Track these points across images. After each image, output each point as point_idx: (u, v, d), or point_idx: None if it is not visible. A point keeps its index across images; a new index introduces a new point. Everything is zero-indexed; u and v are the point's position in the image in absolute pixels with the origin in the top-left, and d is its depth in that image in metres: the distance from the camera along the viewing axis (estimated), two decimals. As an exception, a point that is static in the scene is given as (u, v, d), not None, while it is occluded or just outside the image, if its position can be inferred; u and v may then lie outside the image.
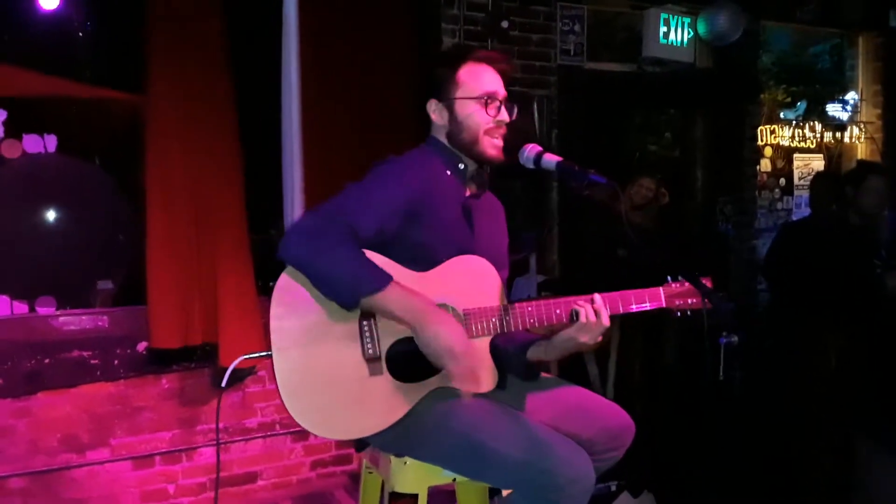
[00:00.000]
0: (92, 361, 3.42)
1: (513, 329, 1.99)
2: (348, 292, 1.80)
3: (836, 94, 5.98)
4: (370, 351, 1.88)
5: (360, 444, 2.07)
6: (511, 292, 2.16)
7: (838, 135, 5.91)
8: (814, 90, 5.96)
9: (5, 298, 3.68)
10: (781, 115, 5.81)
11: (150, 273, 3.41)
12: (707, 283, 2.07)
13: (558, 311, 1.98)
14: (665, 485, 3.46)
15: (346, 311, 1.84)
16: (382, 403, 1.89)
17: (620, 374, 4.25)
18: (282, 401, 1.83)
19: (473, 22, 4.26)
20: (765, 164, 5.66)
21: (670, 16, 4.87)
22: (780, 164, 5.74)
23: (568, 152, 2.10)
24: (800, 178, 5.79)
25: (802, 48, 6.01)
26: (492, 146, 2.06)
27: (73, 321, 3.62)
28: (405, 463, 1.99)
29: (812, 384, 3.70)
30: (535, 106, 4.39)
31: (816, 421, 3.67)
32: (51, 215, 3.70)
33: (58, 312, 3.67)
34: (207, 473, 3.59)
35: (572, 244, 4.60)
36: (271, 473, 3.77)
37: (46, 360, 3.36)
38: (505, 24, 4.28)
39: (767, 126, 5.63)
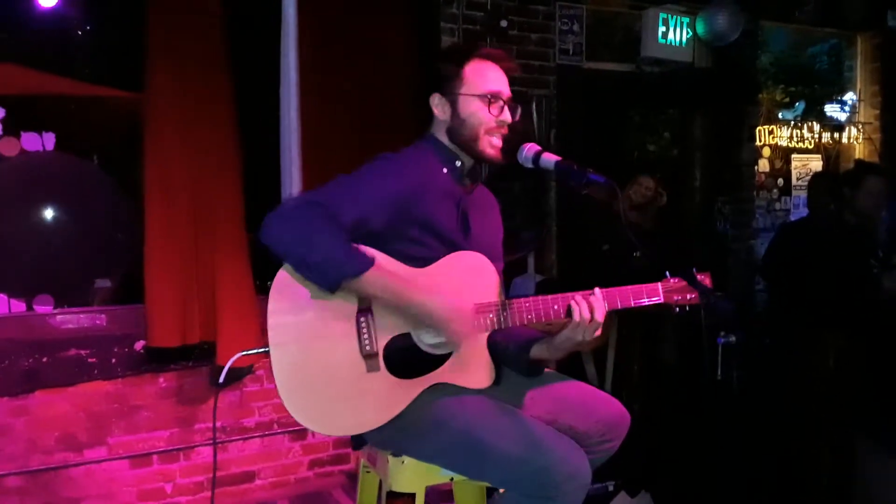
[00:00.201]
0: (90, 360, 3.42)
1: (510, 325, 1.99)
2: (332, 274, 1.81)
3: (835, 95, 6.00)
4: (367, 347, 1.89)
5: (358, 443, 2.07)
6: (509, 292, 2.16)
7: (836, 135, 5.92)
8: (812, 90, 5.97)
9: (3, 297, 3.67)
10: (780, 116, 5.82)
11: (148, 271, 3.41)
12: (706, 278, 2.08)
13: (556, 307, 1.98)
14: (662, 485, 3.47)
15: (331, 294, 1.84)
16: (380, 399, 1.90)
17: (618, 373, 4.25)
18: (280, 397, 1.83)
19: (472, 21, 4.25)
20: (763, 165, 5.67)
21: (669, 16, 4.88)
22: (778, 164, 5.75)
23: (566, 152, 2.11)
24: (798, 179, 5.80)
25: (801, 48, 6.02)
26: (490, 146, 2.06)
27: (71, 319, 3.61)
28: (402, 462, 1.99)
29: (810, 384, 3.71)
30: (534, 105, 4.39)
31: (815, 421, 3.67)
32: (49, 213, 3.70)
33: (55, 311, 3.67)
34: (205, 472, 3.59)
35: (571, 244, 4.60)
36: (269, 473, 3.77)
37: (44, 359, 3.36)
38: (504, 23, 4.29)
39: (766, 126, 5.64)
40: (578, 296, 1.96)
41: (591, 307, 1.93)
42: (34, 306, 3.70)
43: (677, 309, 2.06)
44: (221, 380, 2.49)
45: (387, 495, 2.03)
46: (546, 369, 2.21)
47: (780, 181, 5.78)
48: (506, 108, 2.06)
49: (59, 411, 3.34)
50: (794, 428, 3.74)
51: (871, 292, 3.72)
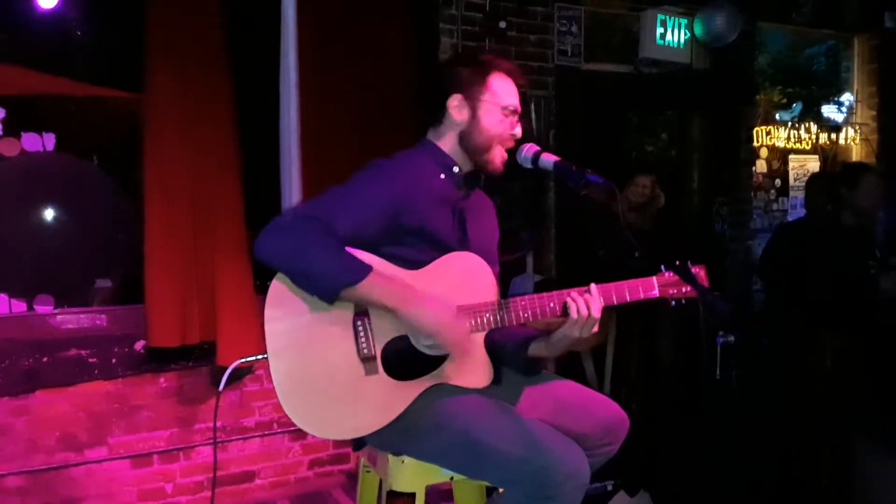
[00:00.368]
0: (90, 360, 3.43)
1: (507, 324, 2.00)
2: (328, 285, 1.82)
3: (832, 96, 6.01)
4: (365, 350, 1.90)
5: (358, 443, 2.08)
6: (507, 292, 2.17)
7: (834, 136, 5.94)
8: (809, 91, 5.99)
9: (3, 297, 3.67)
10: (777, 117, 5.84)
11: (148, 272, 3.42)
12: (700, 271, 2.09)
13: (552, 305, 1.99)
14: (661, 484, 3.47)
15: (329, 304, 1.85)
16: (378, 402, 1.90)
17: (617, 373, 4.26)
18: (279, 401, 1.84)
19: (471, 22, 4.26)
20: (760, 165, 5.68)
21: (667, 17, 4.89)
22: (775, 165, 5.77)
23: (565, 153, 2.12)
24: (795, 180, 5.82)
25: (798, 50, 6.04)
26: (500, 155, 2.09)
27: (72, 319, 3.62)
28: (403, 462, 2.00)
29: (808, 384, 3.71)
30: (533, 106, 4.40)
31: (814, 421, 3.68)
32: (49, 213, 3.70)
33: (56, 311, 3.67)
34: (205, 472, 3.59)
35: (569, 244, 4.61)
36: (269, 472, 3.78)
37: (44, 359, 3.36)
38: (502, 24, 4.29)
39: (763, 127, 5.66)
40: (574, 292, 1.98)
41: (587, 303, 1.95)
42: (34, 306, 3.70)
43: (673, 303, 2.07)
44: (221, 387, 2.50)
45: (387, 495, 2.04)
46: (546, 370, 2.22)
47: (778, 182, 5.79)
48: (518, 123, 2.11)
49: (60, 411, 3.34)
50: (792, 428, 3.75)
51: (868, 292, 3.73)
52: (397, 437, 1.96)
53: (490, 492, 2.33)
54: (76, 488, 3.37)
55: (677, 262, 2.05)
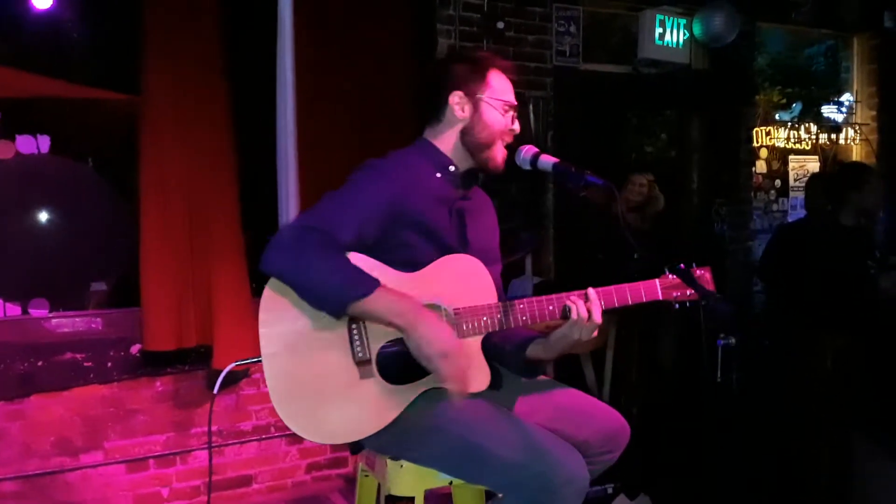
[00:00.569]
0: (85, 364, 3.41)
1: (505, 327, 1.98)
2: (336, 301, 1.80)
3: (832, 96, 6.01)
4: (360, 354, 1.88)
5: (356, 447, 2.06)
6: (506, 294, 2.15)
7: (833, 136, 5.93)
8: (809, 92, 5.99)
9: (-2, 300, 3.66)
10: (777, 117, 5.84)
11: (143, 275, 3.40)
12: (705, 272, 2.08)
13: (551, 308, 1.97)
14: (662, 487, 3.46)
15: (337, 319, 1.84)
16: (374, 406, 1.88)
17: (617, 375, 4.25)
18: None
19: (469, 23, 4.25)
20: (760, 166, 5.67)
21: (666, 17, 4.88)
22: (775, 165, 5.76)
23: (563, 154, 2.11)
24: (795, 180, 5.81)
25: (797, 50, 6.04)
26: (501, 150, 2.09)
27: (67, 323, 3.60)
28: (401, 466, 1.98)
29: (808, 385, 3.70)
30: (531, 107, 4.39)
31: (814, 422, 3.67)
32: (44, 217, 3.69)
33: (51, 314, 3.65)
34: (202, 477, 3.57)
35: (568, 246, 4.59)
36: (266, 477, 3.76)
37: (39, 363, 3.34)
38: (500, 24, 4.28)
39: (763, 128, 5.66)
40: (574, 295, 1.96)
41: (587, 306, 1.93)
42: (29, 310, 3.68)
43: (676, 305, 2.06)
44: (216, 391, 2.48)
45: (385, 499, 2.02)
46: (546, 376, 2.20)
47: (778, 182, 5.79)
48: (515, 119, 2.11)
49: (55, 415, 3.32)
50: (792, 429, 3.74)
51: (868, 293, 3.72)
52: (395, 440, 1.94)
53: (489, 496, 2.31)
54: (72, 493, 3.35)
55: (681, 266, 2.04)
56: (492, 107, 2.06)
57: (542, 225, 4.46)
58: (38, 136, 3.75)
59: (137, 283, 3.41)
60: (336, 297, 1.80)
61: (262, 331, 1.85)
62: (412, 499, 1.99)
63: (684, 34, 4.95)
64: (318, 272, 1.80)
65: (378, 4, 3.93)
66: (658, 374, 4.62)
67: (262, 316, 1.86)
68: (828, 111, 5.96)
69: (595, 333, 1.96)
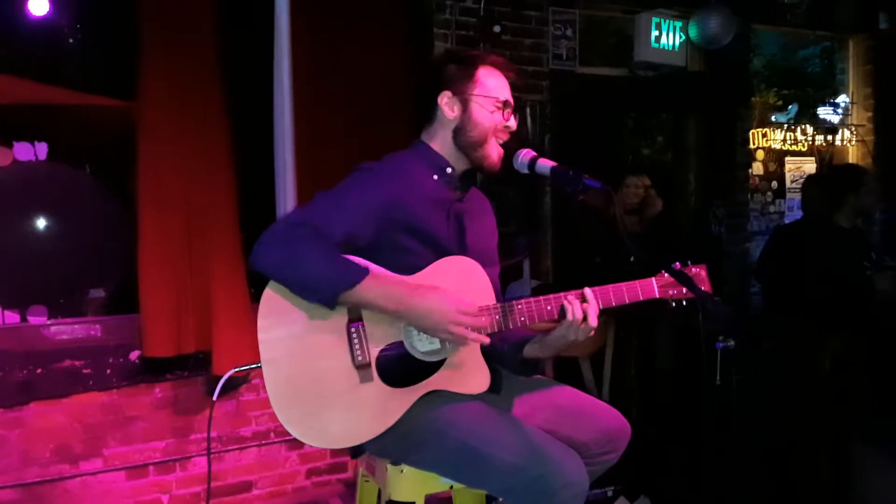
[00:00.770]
0: (84, 371, 3.40)
1: (504, 328, 1.98)
2: (327, 290, 1.80)
3: (827, 98, 6.02)
4: (359, 357, 1.88)
5: (356, 451, 2.06)
6: (504, 297, 2.15)
7: (830, 138, 5.94)
8: (805, 93, 6.00)
9: (-4, 308, 3.66)
10: (773, 119, 5.84)
11: (142, 281, 3.40)
12: (701, 271, 2.08)
13: (549, 308, 1.97)
14: (661, 489, 3.46)
15: (330, 310, 1.84)
16: (374, 410, 1.88)
17: (616, 378, 4.24)
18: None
19: (465, 27, 4.25)
20: (757, 168, 5.68)
21: (662, 20, 4.88)
22: (771, 167, 5.77)
23: (561, 157, 2.10)
24: (792, 182, 5.82)
25: (793, 51, 6.05)
26: (496, 148, 2.07)
27: (65, 330, 3.60)
28: (402, 471, 1.98)
29: (807, 387, 3.70)
30: (528, 111, 4.39)
31: (812, 424, 3.67)
32: (42, 223, 3.69)
33: (49, 322, 3.65)
34: (201, 483, 3.56)
35: (566, 249, 4.60)
36: (266, 482, 3.75)
37: (38, 370, 3.33)
38: (497, 28, 4.29)
39: (759, 129, 5.66)
40: (571, 295, 1.96)
41: (584, 307, 1.93)
42: (28, 317, 3.68)
43: (674, 303, 2.06)
44: (215, 397, 2.48)
45: (385, 504, 2.02)
46: (544, 376, 2.20)
47: (774, 184, 5.79)
48: (511, 115, 2.09)
49: (54, 423, 3.31)
50: (790, 431, 3.74)
51: (865, 294, 3.73)
52: (395, 444, 1.94)
53: (490, 501, 2.31)
54: (71, 501, 3.34)
55: (677, 265, 2.04)
56: (481, 105, 2.05)
57: (540, 228, 4.46)
58: (36, 142, 3.75)
59: (136, 290, 3.40)
60: (327, 288, 1.80)
61: (261, 336, 1.85)
62: (413, 504, 1.99)
63: (680, 37, 4.96)
64: (309, 263, 1.80)
65: (374, 9, 3.93)
66: (657, 377, 4.62)
67: (260, 321, 1.86)
68: (824, 113, 5.97)
69: (591, 334, 1.96)
